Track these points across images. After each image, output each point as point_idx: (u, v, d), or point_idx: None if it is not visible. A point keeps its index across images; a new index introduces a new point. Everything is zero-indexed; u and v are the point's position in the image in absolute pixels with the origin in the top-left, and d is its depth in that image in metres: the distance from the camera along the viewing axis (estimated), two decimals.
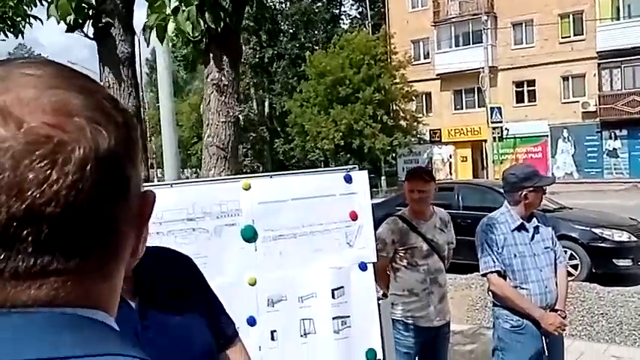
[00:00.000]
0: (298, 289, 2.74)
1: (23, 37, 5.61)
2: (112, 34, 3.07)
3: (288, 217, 2.75)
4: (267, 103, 38.63)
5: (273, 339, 2.70)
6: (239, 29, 2.96)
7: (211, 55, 2.87)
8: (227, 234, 2.65)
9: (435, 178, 4.07)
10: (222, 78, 2.84)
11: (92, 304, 0.54)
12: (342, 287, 2.81)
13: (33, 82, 0.52)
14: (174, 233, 2.57)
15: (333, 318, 2.77)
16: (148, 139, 35.65)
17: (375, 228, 3.10)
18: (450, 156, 32.44)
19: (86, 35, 3.06)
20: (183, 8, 2.76)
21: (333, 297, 2.78)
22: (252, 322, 2.65)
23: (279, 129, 37.46)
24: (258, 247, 2.69)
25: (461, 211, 9.88)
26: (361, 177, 2.91)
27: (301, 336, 2.74)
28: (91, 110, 0.52)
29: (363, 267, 2.86)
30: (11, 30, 7.49)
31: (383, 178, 30.73)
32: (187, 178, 27.79)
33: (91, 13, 3.00)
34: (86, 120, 0.51)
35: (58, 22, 2.78)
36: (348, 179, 2.89)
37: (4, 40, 7.75)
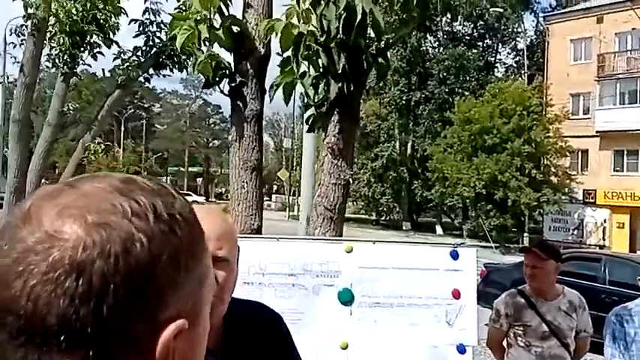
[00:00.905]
0: None
1: (187, 72, 6.19)
2: (244, 93, 3.32)
3: (387, 285, 2.74)
4: (409, 145, 38.57)
5: None
6: (359, 97, 3.05)
7: (331, 119, 2.98)
8: (325, 294, 2.69)
9: (560, 255, 3.76)
10: (338, 142, 2.93)
11: None
12: None
13: (85, 191, 0.57)
14: (275, 286, 2.67)
15: None
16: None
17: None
18: (605, 220, 29.74)
19: (222, 92, 3.35)
20: (310, 73, 2.92)
21: None
22: None
23: (419, 171, 37.14)
24: (353, 311, 2.70)
25: (607, 287, 9.04)
26: (469, 254, 2.81)
27: None
28: (123, 225, 0.55)
29: (461, 349, 2.74)
30: (176, 66, 8.38)
31: (526, 235, 28.99)
32: None
33: (227, 72, 3.29)
34: (112, 231, 0.54)
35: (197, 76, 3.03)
36: (455, 255, 2.80)
37: (169, 75, 8.69)
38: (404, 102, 36.86)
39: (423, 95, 36.58)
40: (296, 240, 2.81)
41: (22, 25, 7.96)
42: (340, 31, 2.79)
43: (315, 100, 2.98)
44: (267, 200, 55.48)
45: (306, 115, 3.09)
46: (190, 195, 49.15)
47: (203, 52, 3.20)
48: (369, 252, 2.79)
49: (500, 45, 41.03)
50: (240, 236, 2.96)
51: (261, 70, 3.47)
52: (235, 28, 3.31)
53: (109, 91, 9.02)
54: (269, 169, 60.94)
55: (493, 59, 40.46)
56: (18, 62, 8.20)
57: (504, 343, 3.64)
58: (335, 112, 2.97)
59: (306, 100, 3.04)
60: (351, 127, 3.05)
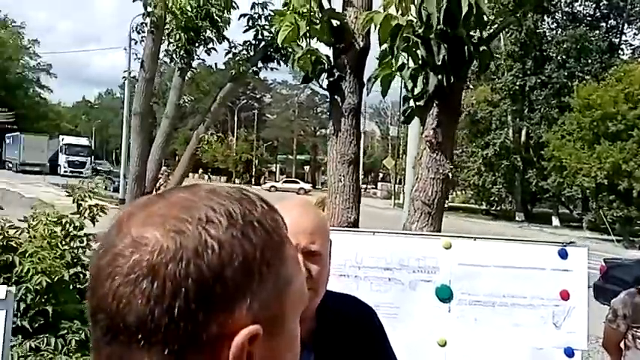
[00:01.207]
0: None
1: (293, 68, 6.31)
2: (342, 87, 3.33)
3: (489, 283, 2.64)
4: (523, 132, 36.77)
5: None
6: (459, 90, 2.94)
7: (429, 112, 2.91)
8: (422, 289, 2.65)
9: None
10: (437, 136, 2.86)
11: None
12: None
13: (171, 201, 0.61)
14: (371, 280, 2.67)
15: None
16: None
17: None
18: None
19: (320, 86, 3.38)
20: (410, 65, 2.86)
21: None
22: None
23: (534, 159, 35.35)
24: (452, 308, 2.64)
25: None
26: (579, 254, 2.64)
27: None
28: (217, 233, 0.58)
29: (569, 353, 2.59)
30: (283, 59, 8.58)
31: None
32: None
33: (326, 67, 3.31)
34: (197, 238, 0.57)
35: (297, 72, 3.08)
36: (564, 255, 2.64)
37: (277, 68, 8.91)
38: (518, 87, 35.16)
39: (539, 80, 34.65)
40: (393, 234, 2.78)
41: (142, 23, 8.52)
42: (441, 22, 2.70)
43: (414, 93, 2.92)
44: (372, 188, 55.56)
45: (403, 108, 3.04)
46: (298, 182, 50.40)
47: (302, 48, 3.24)
48: (470, 248, 2.70)
49: (625, 25, 37.75)
50: (337, 229, 3.00)
51: (360, 64, 3.46)
52: (335, 22, 3.32)
53: (224, 83, 9.44)
54: (375, 157, 60.85)
55: (618, 40, 37.36)
56: (139, 58, 8.79)
57: (621, 345, 3.39)
58: (434, 105, 2.90)
59: (404, 93, 2.99)
60: (451, 120, 2.96)
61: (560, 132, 29.50)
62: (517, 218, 35.29)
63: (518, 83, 34.98)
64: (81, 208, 4.11)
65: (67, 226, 4.02)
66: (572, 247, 2.66)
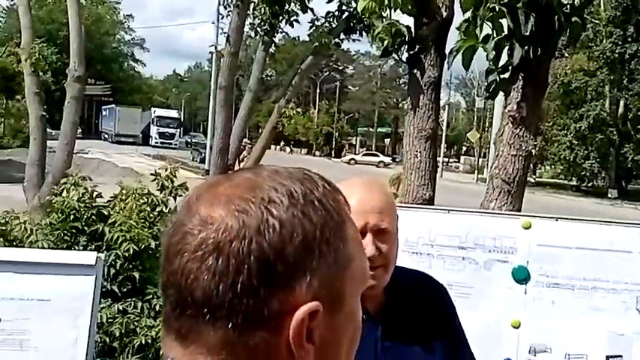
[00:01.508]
0: (567, 345, 2.53)
1: (373, 41, 6.30)
2: (423, 60, 3.25)
3: (569, 266, 2.55)
4: (621, 104, 34.44)
5: None
6: (547, 62, 2.79)
7: (514, 85, 2.79)
8: (497, 270, 2.60)
9: None
10: (521, 110, 2.74)
11: None
12: (619, 356, 2.49)
13: (236, 182, 0.65)
14: (444, 258, 2.65)
15: None
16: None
17: None
18: None
19: (399, 59, 3.32)
20: (494, 36, 2.74)
21: None
22: None
23: (632, 133, 33.11)
24: (528, 290, 2.57)
25: None
26: None
27: None
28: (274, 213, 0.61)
29: None
30: (365, 29, 8.47)
31: None
32: None
33: (406, 39, 3.23)
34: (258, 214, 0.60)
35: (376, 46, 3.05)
36: None
37: (359, 39, 8.82)
38: (617, 55, 32.81)
39: None
40: (468, 213, 2.72)
41: None
42: None
43: (498, 66, 2.80)
44: (455, 162, 54.31)
45: (487, 82, 2.93)
46: (377, 155, 50.11)
47: (382, 21, 3.19)
48: (550, 229, 2.60)
49: None
50: (411, 206, 2.98)
51: (442, 35, 3.35)
52: None
53: (307, 56, 9.49)
54: (459, 129, 59.31)
55: None
56: (225, 33, 9.00)
57: None
58: (519, 79, 2.77)
59: (488, 66, 2.88)
60: (537, 94, 2.82)
61: None
62: (610, 195, 33.38)
63: (617, 51, 32.66)
64: (164, 191, 4.36)
65: (154, 200, 4.27)
66: None
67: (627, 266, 2.51)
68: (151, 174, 4.70)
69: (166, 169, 4.51)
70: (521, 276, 2.57)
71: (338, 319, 0.65)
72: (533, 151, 2.76)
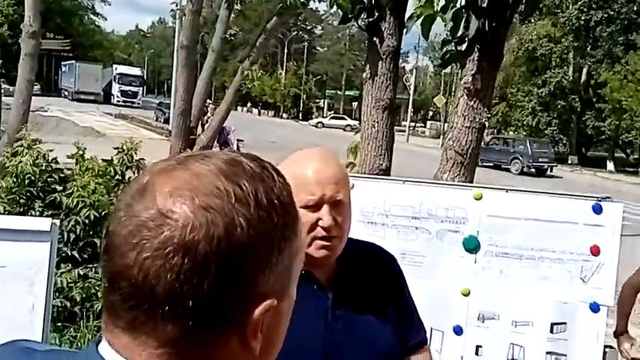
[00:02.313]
0: (514, 312, 2.62)
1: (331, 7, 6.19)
2: (382, 28, 3.22)
3: (518, 236, 2.62)
4: (584, 71, 35.01)
5: (477, 354, 2.66)
6: (503, 35, 2.79)
7: (470, 58, 2.80)
8: (449, 240, 2.65)
9: None
10: (476, 83, 2.75)
11: None
12: (564, 323, 2.59)
13: (195, 172, 0.62)
14: (398, 228, 2.69)
15: (547, 352, 2.59)
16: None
17: None
18: None
19: (359, 27, 3.28)
20: (454, 5, 2.73)
21: (552, 331, 2.59)
22: (458, 331, 2.65)
23: (593, 100, 33.81)
24: (478, 259, 2.64)
25: None
26: (614, 209, 2.57)
27: None
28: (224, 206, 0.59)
29: (594, 308, 2.58)
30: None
31: None
32: None
33: (366, 6, 3.19)
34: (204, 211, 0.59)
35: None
36: (598, 209, 2.58)
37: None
38: (582, 22, 33.13)
39: (606, 15, 32.56)
40: (422, 184, 2.76)
41: None
42: None
43: (455, 37, 2.80)
44: (421, 127, 54.69)
45: (442, 52, 2.92)
46: (345, 119, 50.03)
47: None
48: (501, 200, 2.66)
49: None
50: (367, 177, 3.00)
51: (401, 3, 3.31)
52: None
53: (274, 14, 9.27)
54: (426, 94, 59.54)
55: None
56: None
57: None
58: (475, 50, 2.78)
59: (445, 36, 2.87)
60: (492, 67, 2.84)
61: (622, 72, 27.96)
62: (569, 161, 34.27)
63: (583, 18, 33.00)
64: (126, 167, 4.32)
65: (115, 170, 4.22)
66: (608, 202, 2.58)
67: (573, 237, 2.59)
68: (115, 148, 4.62)
69: (130, 143, 4.45)
70: (472, 245, 2.63)
71: (283, 307, 0.66)
72: (487, 123, 2.79)
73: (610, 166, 33.03)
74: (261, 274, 0.62)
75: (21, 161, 4.05)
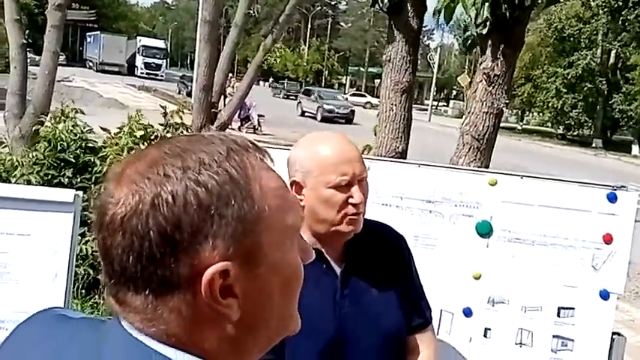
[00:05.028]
0: (524, 298, 2.65)
1: None
2: (404, 11, 3.21)
3: (531, 222, 2.63)
4: (613, 53, 34.14)
5: (485, 336, 2.70)
6: (524, 21, 2.77)
7: (489, 42, 2.79)
8: (462, 224, 2.68)
9: None
10: (495, 68, 2.75)
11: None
12: (572, 308, 2.62)
13: (150, 158, 0.69)
14: (412, 211, 2.72)
15: (554, 336, 2.63)
16: None
17: None
18: None
19: (381, 9, 3.27)
20: None
21: (558, 315, 2.62)
22: (468, 313, 2.69)
23: (621, 82, 33.02)
24: (490, 244, 2.67)
25: None
26: (629, 198, 2.57)
27: (516, 344, 2.68)
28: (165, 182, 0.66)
29: (604, 295, 2.60)
30: None
31: None
32: None
33: None
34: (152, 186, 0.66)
35: None
36: (612, 198, 2.58)
37: None
38: (621, 3, 31.97)
39: None
40: (438, 167, 2.78)
41: None
42: None
43: (476, 21, 2.79)
44: (443, 106, 54.04)
45: (464, 36, 2.91)
46: (365, 96, 49.63)
47: None
48: (515, 186, 2.67)
49: None
50: (383, 159, 3.02)
51: None
52: None
53: None
54: (450, 72, 58.70)
55: None
56: None
57: None
58: (495, 36, 2.77)
59: (467, 21, 2.86)
60: (512, 53, 2.82)
61: None
62: (594, 145, 33.70)
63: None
64: (168, 126, 4.38)
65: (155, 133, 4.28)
66: (623, 191, 2.58)
67: (586, 225, 2.60)
68: (161, 106, 4.73)
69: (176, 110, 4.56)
70: (485, 230, 2.65)
71: (259, 271, 0.69)
72: (505, 109, 2.78)
73: (635, 150, 32.40)
74: (201, 240, 0.65)
75: (57, 128, 4.13)
